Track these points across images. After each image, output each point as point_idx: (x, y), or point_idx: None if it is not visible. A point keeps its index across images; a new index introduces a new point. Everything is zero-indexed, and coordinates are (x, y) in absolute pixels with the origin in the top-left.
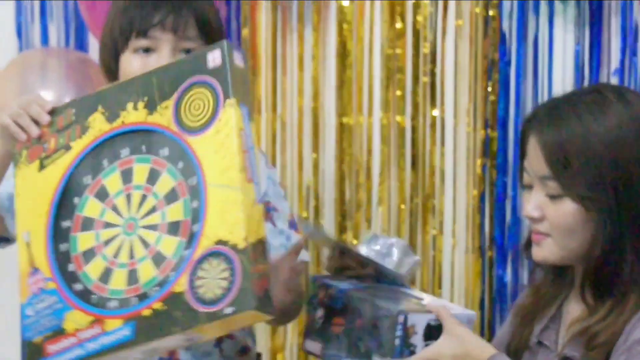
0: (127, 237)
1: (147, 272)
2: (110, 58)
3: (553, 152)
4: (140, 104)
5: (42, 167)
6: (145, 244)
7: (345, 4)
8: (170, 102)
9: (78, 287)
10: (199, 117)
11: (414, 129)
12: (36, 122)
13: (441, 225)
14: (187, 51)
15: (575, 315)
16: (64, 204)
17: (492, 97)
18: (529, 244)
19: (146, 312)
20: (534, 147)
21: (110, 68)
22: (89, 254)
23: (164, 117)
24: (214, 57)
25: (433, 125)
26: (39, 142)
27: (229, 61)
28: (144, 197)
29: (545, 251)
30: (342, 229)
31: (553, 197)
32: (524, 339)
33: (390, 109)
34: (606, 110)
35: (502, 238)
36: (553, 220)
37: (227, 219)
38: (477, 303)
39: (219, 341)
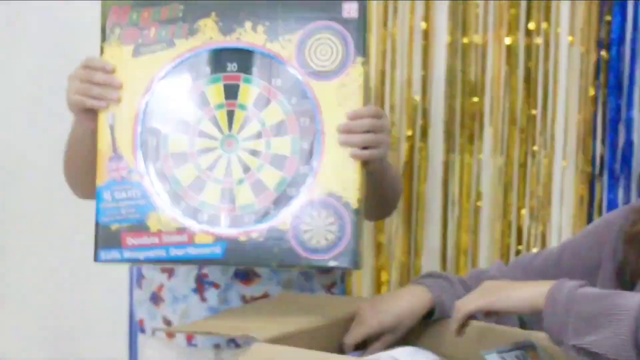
0: (225, 154)
1: (244, 196)
2: None
3: None
4: (261, 28)
5: (137, 53)
6: (244, 167)
7: None
8: (295, 37)
9: (166, 187)
10: (325, 63)
11: (527, 48)
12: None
13: (552, 147)
14: None
15: None
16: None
17: (607, 17)
18: None
19: (242, 238)
20: None
21: None
22: (180, 158)
23: (285, 49)
24: (350, 8)
25: (546, 44)
26: (136, 25)
27: (363, 15)
28: (247, 119)
29: None
30: (449, 149)
31: None
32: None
33: (503, 27)
34: None
35: (613, 161)
36: None
37: (342, 175)
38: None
39: None
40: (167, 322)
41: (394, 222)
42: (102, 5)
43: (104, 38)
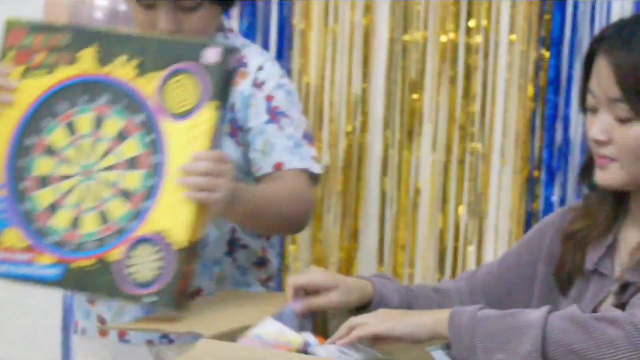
0: (82, 182)
1: (89, 223)
2: None
3: (625, 74)
4: (134, 62)
5: (25, 76)
6: (96, 196)
7: None
8: (160, 75)
9: (24, 207)
10: (180, 104)
11: (467, 46)
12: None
13: (491, 144)
14: (193, 8)
15: (635, 242)
16: (33, 122)
17: (547, 16)
18: (587, 168)
19: (76, 264)
20: (604, 68)
21: None
22: (43, 181)
23: (149, 86)
24: (211, 54)
25: (487, 42)
26: (28, 48)
27: (224, 63)
28: (108, 151)
29: (611, 175)
30: (388, 145)
31: (622, 121)
32: (577, 264)
33: (443, 25)
34: None
35: (551, 158)
36: (621, 144)
37: (175, 215)
38: (522, 223)
39: (231, 250)
40: (102, 321)
41: (332, 217)
42: (5, 25)
43: (1, 57)
